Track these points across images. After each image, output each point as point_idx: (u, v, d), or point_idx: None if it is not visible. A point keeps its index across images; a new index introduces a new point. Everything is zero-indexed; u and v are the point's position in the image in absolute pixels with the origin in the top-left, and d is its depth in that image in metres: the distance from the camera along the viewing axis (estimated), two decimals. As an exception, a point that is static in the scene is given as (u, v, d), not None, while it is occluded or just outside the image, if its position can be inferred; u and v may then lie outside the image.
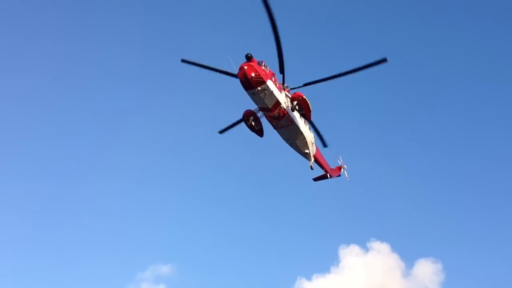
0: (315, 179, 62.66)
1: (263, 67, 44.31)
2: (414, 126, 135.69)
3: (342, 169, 62.39)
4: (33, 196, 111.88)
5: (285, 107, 46.94)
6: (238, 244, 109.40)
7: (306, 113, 47.44)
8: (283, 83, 47.16)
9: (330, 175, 60.83)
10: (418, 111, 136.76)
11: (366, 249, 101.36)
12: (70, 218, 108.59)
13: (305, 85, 47.64)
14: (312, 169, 54.06)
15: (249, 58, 43.55)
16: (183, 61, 48.07)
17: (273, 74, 45.77)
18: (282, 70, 45.40)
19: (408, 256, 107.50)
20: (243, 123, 49.80)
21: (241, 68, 43.31)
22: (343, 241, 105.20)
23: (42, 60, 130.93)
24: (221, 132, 54.55)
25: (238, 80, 44.08)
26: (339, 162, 62.28)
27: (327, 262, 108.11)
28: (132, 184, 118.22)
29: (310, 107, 47.08)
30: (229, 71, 45.19)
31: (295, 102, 46.54)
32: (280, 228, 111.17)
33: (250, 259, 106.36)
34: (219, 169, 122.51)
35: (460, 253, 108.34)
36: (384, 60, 44.00)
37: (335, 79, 46.25)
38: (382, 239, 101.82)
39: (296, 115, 48.73)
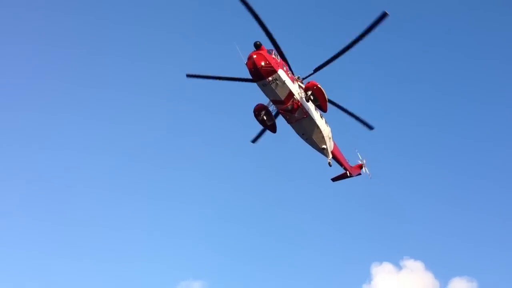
0: (334, 179, 59.16)
1: (273, 56, 41.45)
2: (439, 138, 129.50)
3: (362, 167, 58.91)
4: (66, 211, 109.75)
5: (298, 98, 43.88)
6: (267, 261, 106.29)
7: (321, 103, 44.17)
8: (292, 74, 44.25)
9: (350, 174, 57.18)
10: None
11: (399, 267, 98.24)
12: (102, 233, 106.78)
13: (316, 70, 44.51)
14: (330, 165, 50.64)
15: (258, 46, 40.72)
16: (189, 76, 46.69)
17: (284, 64, 42.81)
18: (284, 60, 42.75)
19: (442, 274, 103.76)
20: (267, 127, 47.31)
21: (250, 57, 40.44)
22: (375, 258, 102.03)
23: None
24: (254, 141, 53.18)
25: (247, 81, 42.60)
26: (359, 157, 58.97)
27: (359, 279, 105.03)
28: (164, 199, 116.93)
29: (326, 96, 43.95)
30: (239, 77, 43.71)
31: (309, 92, 43.41)
32: (311, 244, 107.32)
33: (280, 277, 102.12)
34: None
35: (496, 272, 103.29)
36: (384, 15, 40.07)
37: (344, 54, 42.49)
38: (415, 257, 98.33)
39: (311, 106, 45.63)
